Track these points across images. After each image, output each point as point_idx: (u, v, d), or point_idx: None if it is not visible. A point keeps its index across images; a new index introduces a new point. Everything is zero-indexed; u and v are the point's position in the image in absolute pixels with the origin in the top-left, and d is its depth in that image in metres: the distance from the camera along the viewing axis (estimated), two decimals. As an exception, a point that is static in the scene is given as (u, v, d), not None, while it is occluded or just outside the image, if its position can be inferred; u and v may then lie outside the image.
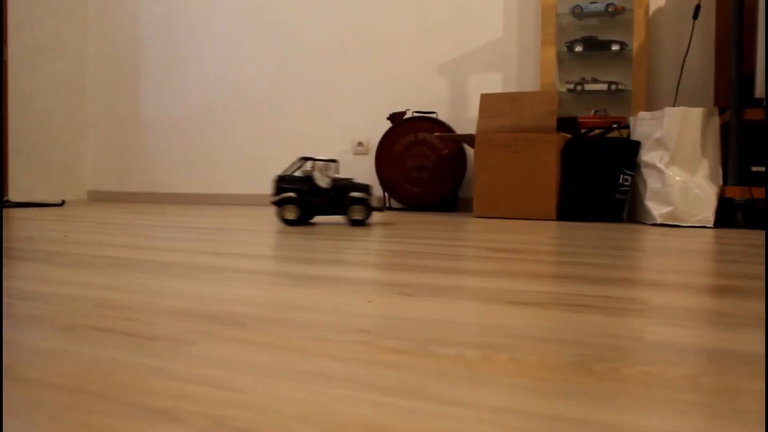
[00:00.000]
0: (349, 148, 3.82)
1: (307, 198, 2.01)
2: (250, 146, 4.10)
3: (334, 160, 2.17)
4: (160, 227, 1.77)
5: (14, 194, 4.08)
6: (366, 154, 3.77)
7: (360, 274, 0.86)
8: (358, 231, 1.74)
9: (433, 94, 3.64)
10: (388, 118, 3.42)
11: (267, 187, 4.05)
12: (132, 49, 4.50)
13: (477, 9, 3.56)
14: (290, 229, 1.79)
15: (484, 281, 0.82)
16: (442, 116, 3.61)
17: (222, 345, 0.47)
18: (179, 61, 4.32)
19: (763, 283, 0.85)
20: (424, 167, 3.32)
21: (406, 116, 3.46)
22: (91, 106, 4.66)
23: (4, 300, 0.64)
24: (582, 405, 0.34)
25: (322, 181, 2.04)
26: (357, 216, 2.01)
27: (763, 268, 1.04)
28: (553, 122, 2.60)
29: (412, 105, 3.68)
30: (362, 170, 3.78)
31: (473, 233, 1.73)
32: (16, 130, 4.10)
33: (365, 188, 2.05)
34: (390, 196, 3.42)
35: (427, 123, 3.35)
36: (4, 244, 1.19)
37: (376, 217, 2.60)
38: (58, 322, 0.54)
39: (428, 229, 1.90)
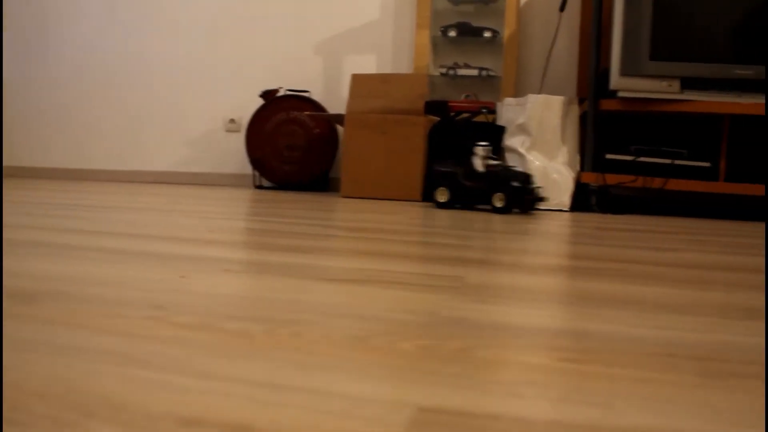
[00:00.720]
0: (220, 126, 3.72)
1: (460, 182, 2.03)
2: (119, 120, 3.91)
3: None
4: (14, 203, 1.65)
5: None
6: (238, 131, 3.69)
7: (192, 251, 0.83)
8: (218, 206, 1.69)
9: (308, 73, 3.60)
10: (261, 96, 3.35)
11: (137, 164, 3.88)
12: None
13: (353, -11, 3.55)
14: (124, 203, 1.72)
15: (316, 259, 0.80)
16: (316, 96, 3.58)
17: (15, 324, 0.43)
18: (47, 26, 4.05)
19: (592, 264, 0.89)
20: (296, 146, 3.28)
21: (278, 94, 3.40)
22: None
23: None
24: (336, 377, 0.33)
25: (480, 166, 2.03)
26: (497, 204, 2.00)
27: (607, 249, 1.09)
28: (422, 105, 2.63)
29: (285, 83, 3.62)
30: (234, 148, 3.69)
31: (333, 213, 1.72)
32: None
33: (522, 177, 2.00)
34: (260, 174, 3.36)
35: (299, 102, 3.31)
36: None
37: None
38: None
39: (290, 208, 1.87)
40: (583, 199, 2.59)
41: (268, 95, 3.34)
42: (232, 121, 3.68)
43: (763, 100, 2.49)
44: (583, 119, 2.70)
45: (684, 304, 0.60)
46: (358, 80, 2.75)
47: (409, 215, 1.74)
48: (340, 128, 3.47)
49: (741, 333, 0.49)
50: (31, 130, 4.09)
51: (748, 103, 2.50)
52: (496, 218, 1.78)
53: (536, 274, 0.75)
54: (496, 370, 0.36)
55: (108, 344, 0.38)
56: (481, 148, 2.11)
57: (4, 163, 4.15)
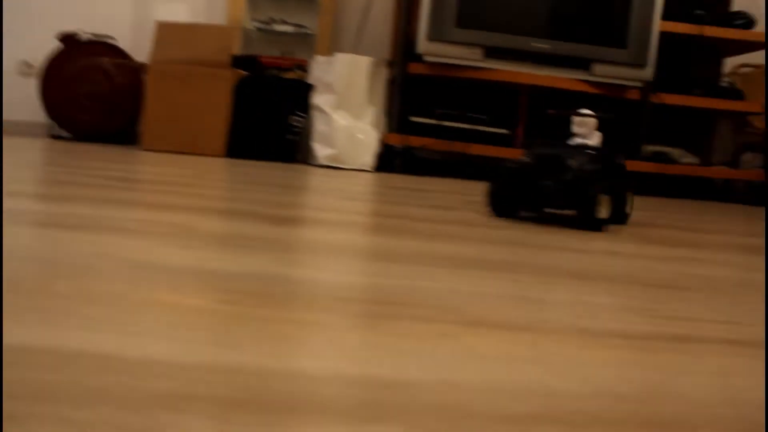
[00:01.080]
0: (12, 68, 3.42)
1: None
2: None
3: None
4: None
5: None
6: (32, 76, 3.41)
7: None
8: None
9: (114, 17, 3.39)
10: (59, 39, 3.11)
11: None
12: None
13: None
14: None
15: (70, 208, 0.76)
16: (123, 44, 3.38)
17: None
18: None
19: (361, 218, 0.91)
20: (98, 95, 3.09)
21: (80, 38, 3.18)
22: None
23: None
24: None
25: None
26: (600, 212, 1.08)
27: (389, 207, 1.12)
28: (227, 58, 2.57)
29: (88, 27, 3.39)
30: (29, 94, 3.42)
31: (126, 165, 1.65)
32: None
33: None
34: (58, 124, 3.14)
35: (103, 48, 3.12)
36: None
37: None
38: None
39: (81, 158, 1.77)
40: (387, 161, 2.66)
41: (68, 39, 3.11)
42: (26, 64, 3.40)
43: (556, 74, 2.68)
44: (391, 82, 2.76)
45: (411, 255, 0.64)
46: (163, 29, 2.64)
47: (201, 169, 1.70)
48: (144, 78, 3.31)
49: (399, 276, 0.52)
50: None
51: (544, 75, 2.67)
52: (296, 175, 1.79)
53: (273, 225, 0.76)
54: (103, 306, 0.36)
55: None
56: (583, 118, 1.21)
57: None
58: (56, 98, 3.10)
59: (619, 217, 1.15)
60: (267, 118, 2.61)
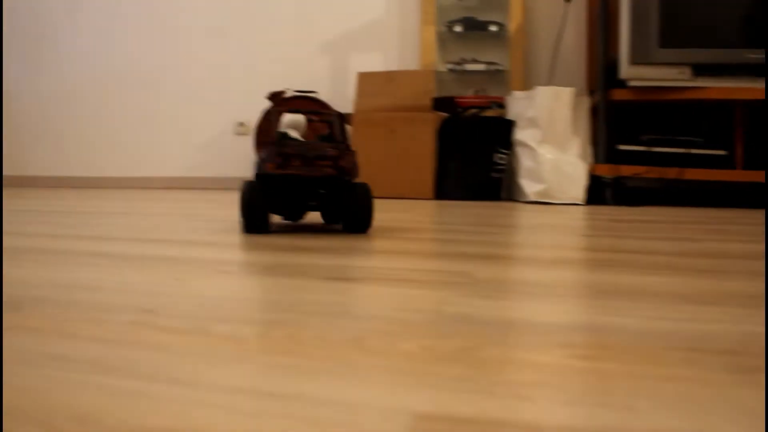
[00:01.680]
0: (230, 129, 3.71)
1: None
2: (130, 126, 3.91)
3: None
4: (23, 212, 1.64)
5: None
6: (247, 134, 3.67)
7: (192, 253, 0.80)
8: (218, 209, 1.67)
9: (314, 73, 3.58)
10: (268, 98, 3.33)
11: (150, 170, 3.88)
12: (-6, 23, 4.20)
13: (358, -13, 3.52)
14: (128, 209, 1.70)
15: (318, 258, 0.78)
16: (323, 96, 3.56)
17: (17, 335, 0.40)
18: (49, 37, 4.06)
19: (608, 255, 0.86)
20: (305, 147, 3.26)
21: (285, 95, 3.38)
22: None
23: None
24: (329, 382, 0.31)
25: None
26: None
27: (622, 241, 1.06)
28: (429, 101, 2.60)
29: (292, 84, 3.61)
30: (244, 151, 3.68)
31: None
32: None
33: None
34: (271, 177, 3.34)
35: (306, 102, 3.29)
36: None
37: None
38: None
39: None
40: (597, 192, 2.55)
41: (276, 97, 3.32)
42: (241, 124, 3.66)
43: (777, 85, 2.45)
44: (593, 110, 2.66)
45: (704, 295, 0.57)
46: (364, 78, 2.73)
47: (419, 212, 1.71)
48: (349, 128, 3.45)
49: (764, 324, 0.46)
50: (42, 140, 4.10)
51: (762, 88, 2.46)
52: (507, 213, 1.75)
53: (549, 268, 0.72)
54: (502, 370, 0.34)
55: (87, 352, 0.36)
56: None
57: (17, 173, 4.15)
58: (268, 153, 3.30)
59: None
60: (471, 157, 2.60)
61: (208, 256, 0.78)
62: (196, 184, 3.78)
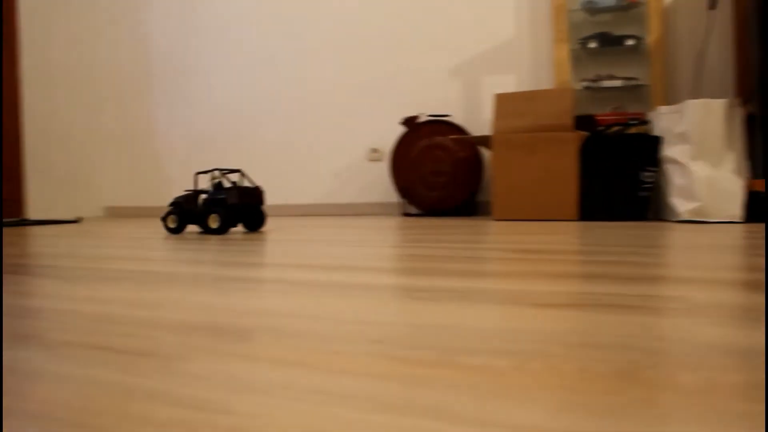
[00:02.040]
0: (363, 155, 3.77)
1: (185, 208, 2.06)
2: (269, 156, 4.07)
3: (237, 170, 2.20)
4: (177, 239, 1.73)
5: (33, 213, 4.08)
6: (381, 160, 3.72)
7: (373, 280, 0.81)
8: (374, 235, 1.69)
9: (446, 97, 3.59)
10: (402, 123, 3.37)
11: (282, 197, 4.01)
12: (144, 64, 4.49)
13: (487, 9, 3.51)
14: (295, 237, 1.74)
15: (508, 283, 0.76)
16: (456, 119, 3.56)
17: (220, 361, 0.42)
18: (191, 74, 4.31)
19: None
20: (441, 171, 3.27)
21: (419, 120, 3.41)
22: (106, 123, 4.65)
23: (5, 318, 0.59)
24: (637, 421, 0.29)
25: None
26: (212, 225, 2.01)
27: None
28: (570, 120, 2.54)
29: (424, 109, 3.63)
30: (378, 177, 3.73)
31: (494, 235, 1.67)
32: (33, 149, 4.09)
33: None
34: (407, 201, 3.37)
35: (441, 126, 3.30)
36: (14, 261, 1.15)
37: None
38: (47, 341, 0.49)
39: (448, 233, 1.85)
40: (756, 209, 2.39)
41: (410, 122, 3.36)
42: (374, 150, 3.72)
43: None
44: (749, 122, 2.51)
45: None
46: (502, 100, 2.70)
47: (570, 234, 1.67)
48: (484, 150, 3.42)
49: None
50: (186, 173, 4.33)
51: None
52: (662, 233, 1.67)
53: (758, 293, 0.67)
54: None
55: (350, 386, 0.36)
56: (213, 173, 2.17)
57: (154, 203, 4.40)
58: (404, 178, 3.33)
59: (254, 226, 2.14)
60: (616, 176, 2.52)
61: (389, 282, 0.78)
62: (330, 211, 3.86)
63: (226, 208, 2.00)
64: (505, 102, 2.70)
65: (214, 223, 1.99)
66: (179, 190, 4.36)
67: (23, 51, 4.04)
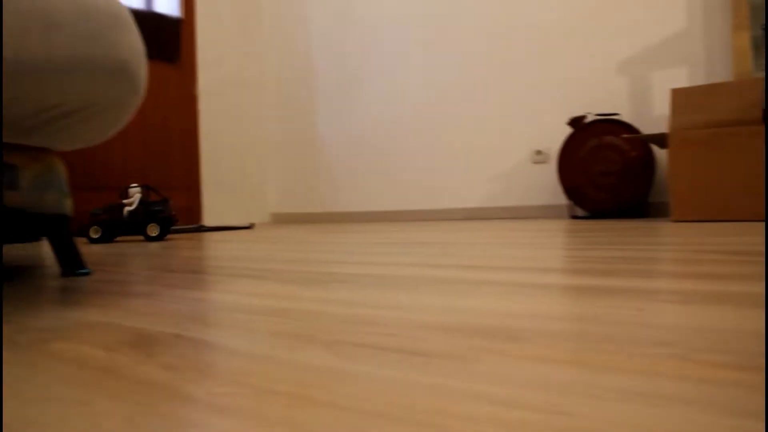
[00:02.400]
0: (527, 158, 3.72)
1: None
2: (429, 161, 4.11)
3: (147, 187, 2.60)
4: (360, 244, 1.78)
5: (208, 219, 4.36)
6: (546, 162, 3.65)
7: (604, 282, 0.79)
8: (559, 238, 1.66)
9: (613, 95, 3.46)
10: (569, 124, 3.29)
11: (449, 202, 4.03)
12: (307, 77, 4.68)
13: (656, 0, 3.35)
14: (490, 238, 1.74)
15: (753, 285, 0.72)
16: (624, 117, 3.43)
17: (514, 363, 0.42)
18: (352, 82, 4.44)
19: None
20: (611, 172, 3.15)
21: (586, 120, 3.31)
22: (272, 133, 4.90)
23: (252, 316, 0.63)
24: None
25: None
26: (152, 233, 2.45)
27: None
28: (759, 113, 2.37)
29: (591, 108, 3.52)
30: (542, 179, 3.66)
31: (687, 237, 1.59)
32: (208, 160, 4.38)
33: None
34: (574, 203, 3.28)
35: (610, 125, 3.19)
36: (216, 264, 1.23)
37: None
38: (319, 340, 0.51)
39: (632, 234, 1.77)
40: None
41: (577, 122, 3.27)
42: (539, 152, 3.66)
43: None
44: None
45: None
46: (679, 95, 2.57)
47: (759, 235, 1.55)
48: (657, 149, 3.27)
49: None
50: (351, 179, 4.46)
51: None
52: None
53: None
54: None
55: (667, 389, 0.35)
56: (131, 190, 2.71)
57: (331, 209, 4.56)
58: (572, 179, 3.25)
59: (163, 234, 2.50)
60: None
61: (631, 285, 0.75)
62: (494, 215, 3.84)
63: (164, 218, 2.49)
64: (682, 97, 2.56)
65: (153, 231, 2.45)
66: (341, 196, 4.50)
67: (200, 71, 4.33)
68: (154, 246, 2.08)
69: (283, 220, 4.85)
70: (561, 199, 3.58)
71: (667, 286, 0.75)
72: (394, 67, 4.23)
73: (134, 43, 1.00)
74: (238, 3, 4.69)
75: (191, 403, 0.36)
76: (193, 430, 0.31)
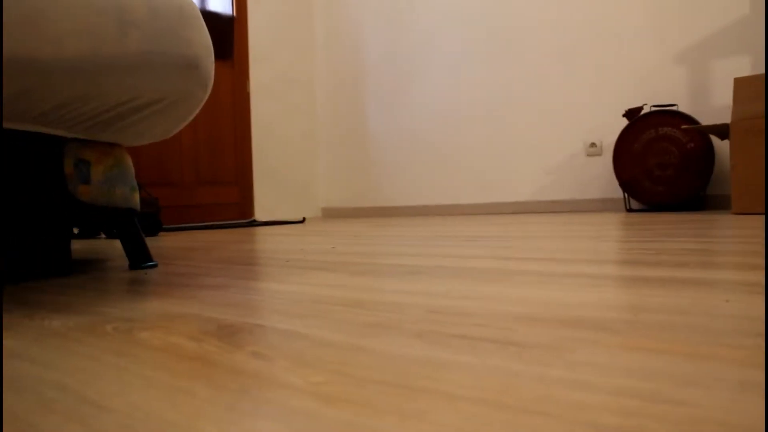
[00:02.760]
0: (581, 150, 3.66)
1: None
2: (479, 155, 4.09)
3: None
4: (418, 237, 1.78)
5: (259, 214, 4.40)
6: (599, 155, 3.59)
7: (680, 274, 0.77)
8: (622, 231, 1.63)
9: (670, 85, 3.39)
10: (624, 115, 3.23)
11: (499, 196, 4.00)
12: (356, 72, 4.69)
13: (716, -12, 3.26)
14: (548, 231, 1.72)
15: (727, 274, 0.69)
16: (682, 108, 3.34)
17: (612, 352, 0.41)
18: (402, 77, 4.43)
19: None
20: (668, 164, 3.08)
21: (643, 111, 3.24)
22: (322, 129, 4.92)
23: (333, 306, 0.64)
24: None
25: None
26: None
27: None
28: (827, 102, 2.29)
29: (647, 100, 3.45)
30: (596, 172, 3.60)
31: (752, 229, 1.55)
32: (259, 155, 4.42)
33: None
34: (630, 196, 3.22)
35: (667, 117, 3.12)
36: (279, 257, 1.24)
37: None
38: (406, 330, 0.51)
39: (695, 227, 1.73)
40: None
41: (633, 114, 3.21)
42: (593, 144, 3.60)
43: None
44: None
45: None
46: (741, 84, 2.50)
47: None
48: (716, 141, 3.19)
49: None
50: (400, 173, 4.46)
51: None
52: None
53: None
54: None
55: (757, 376, 0.34)
56: None
57: (379, 204, 4.57)
58: (628, 172, 3.19)
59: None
60: None
61: (705, 277, 0.73)
62: (545, 208, 3.79)
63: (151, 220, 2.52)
64: (745, 86, 2.49)
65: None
66: (390, 190, 4.50)
67: (251, 68, 4.38)
68: (208, 240, 2.11)
69: (333, 214, 4.88)
70: (616, 192, 3.52)
71: (744, 277, 0.73)
72: (444, 63, 4.21)
73: (203, 39, 1.01)
74: (289, 2, 4.73)
75: (294, 391, 0.36)
76: (305, 420, 0.31)
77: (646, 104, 3.42)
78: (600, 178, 3.60)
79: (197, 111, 1.13)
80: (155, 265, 1.21)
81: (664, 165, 3.10)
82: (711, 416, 0.29)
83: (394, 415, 0.31)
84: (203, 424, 0.31)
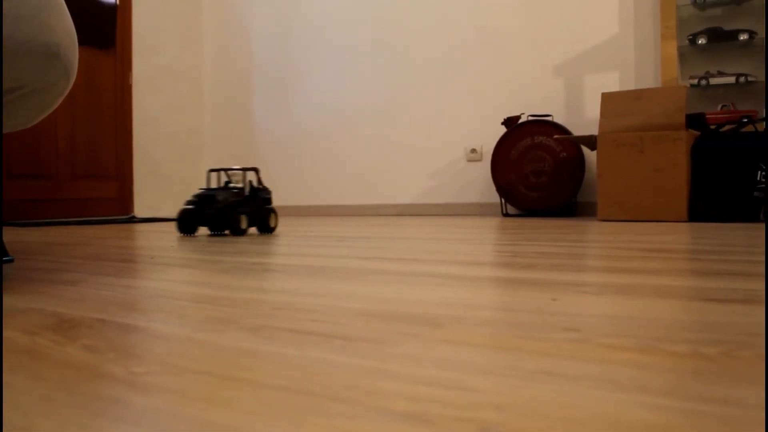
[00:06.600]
0: (462, 156, 3.77)
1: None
2: (364, 156, 4.13)
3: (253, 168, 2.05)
4: (292, 237, 1.78)
5: (139, 210, 4.27)
6: (479, 160, 3.71)
7: (526, 275, 0.82)
8: (492, 234, 1.70)
9: (547, 96, 3.55)
10: (503, 123, 3.36)
11: (383, 198, 4.06)
12: (245, 69, 4.64)
13: (591, 6, 3.45)
14: (422, 233, 1.77)
15: (662, 279, 0.76)
16: (557, 119, 3.51)
17: (428, 345, 0.44)
18: (290, 75, 4.41)
19: None
20: (542, 171, 3.23)
21: (520, 120, 3.38)
22: (208, 124, 4.83)
23: (182, 302, 0.64)
24: None
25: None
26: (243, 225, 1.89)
27: None
28: (682, 119, 2.47)
29: (525, 109, 3.60)
30: (476, 177, 3.72)
31: (610, 235, 1.65)
32: (141, 150, 4.29)
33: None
34: (506, 202, 3.35)
35: (543, 126, 3.27)
36: (147, 254, 1.22)
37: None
38: (244, 324, 0.53)
39: (559, 232, 1.83)
40: None
41: (511, 122, 3.34)
42: (473, 150, 3.72)
43: None
44: None
45: None
46: (608, 99, 2.66)
47: (688, 234, 1.62)
48: (586, 150, 3.37)
49: None
50: (287, 172, 4.44)
51: None
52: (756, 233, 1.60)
53: None
54: None
55: (571, 369, 0.37)
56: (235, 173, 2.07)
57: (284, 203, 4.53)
58: (505, 178, 3.32)
59: (264, 228, 2.00)
60: (728, 176, 2.43)
61: (556, 278, 0.78)
62: (427, 211, 3.88)
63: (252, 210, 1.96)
64: (612, 101, 2.65)
65: (244, 223, 1.90)
66: (276, 189, 4.48)
67: (134, 59, 4.24)
68: (79, 235, 2.04)
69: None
70: (494, 197, 3.65)
71: (584, 279, 0.78)
72: (332, 63, 4.23)
73: (66, 25, 0.98)
74: (176, -9, 4.61)
75: (111, 381, 0.37)
76: (113, 407, 0.32)
77: (524, 113, 3.57)
78: (480, 183, 3.72)
79: (61, 100, 1.09)
80: (11, 260, 1.16)
81: (538, 172, 3.24)
82: (490, 400, 0.31)
83: (202, 402, 0.32)
84: (11, 414, 0.31)
